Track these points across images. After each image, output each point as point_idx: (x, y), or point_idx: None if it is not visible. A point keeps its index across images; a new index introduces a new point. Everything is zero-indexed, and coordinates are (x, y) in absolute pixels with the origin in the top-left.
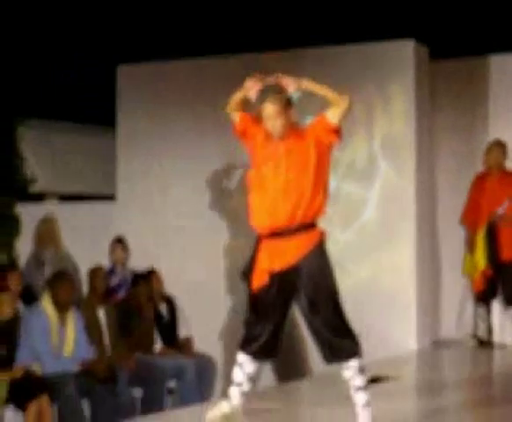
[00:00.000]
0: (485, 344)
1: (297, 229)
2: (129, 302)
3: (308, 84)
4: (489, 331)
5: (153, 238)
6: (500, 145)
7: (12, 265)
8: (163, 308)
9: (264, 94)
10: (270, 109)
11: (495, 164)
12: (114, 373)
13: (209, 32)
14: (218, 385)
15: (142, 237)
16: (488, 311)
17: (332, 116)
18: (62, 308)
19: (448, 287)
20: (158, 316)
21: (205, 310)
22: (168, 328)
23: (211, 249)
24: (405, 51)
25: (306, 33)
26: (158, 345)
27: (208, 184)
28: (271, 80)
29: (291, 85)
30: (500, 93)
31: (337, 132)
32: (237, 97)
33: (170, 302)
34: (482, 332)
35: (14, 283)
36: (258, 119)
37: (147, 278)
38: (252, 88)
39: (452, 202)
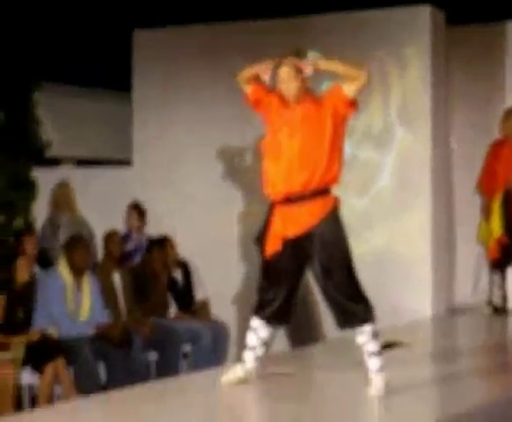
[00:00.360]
0: (500, 311)
1: (311, 196)
2: (144, 268)
3: (325, 64)
4: (504, 298)
5: (168, 203)
6: None
7: (29, 229)
8: (177, 273)
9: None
10: (285, 71)
11: None
12: (130, 337)
13: None
14: (231, 351)
15: (157, 202)
16: (503, 278)
17: (349, 89)
18: (77, 272)
19: (463, 255)
20: (173, 281)
21: (219, 276)
22: (183, 293)
23: (225, 215)
24: (420, 17)
25: (320, 1)
26: (173, 311)
27: (223, 149)
28: (286, 62)
29: (308, 68)
30: None
31: (353, 104)
32: (248, 72)
33: (184, 267)
34: (497, 299)
35: (30, 247)
36: (271, 88)
37: (162, 244)
38: (265, 71)
39: (468, 170)
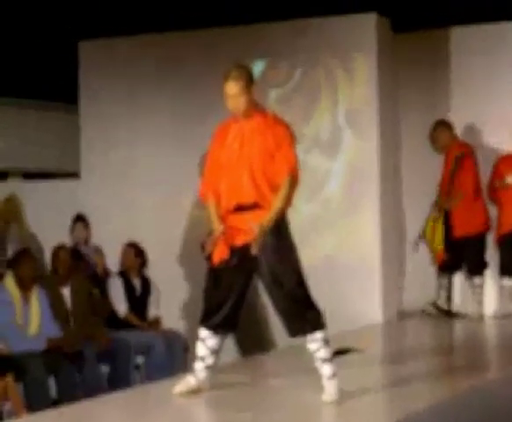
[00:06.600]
0: (446, 313)
1: (259, 205)
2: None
3: (268, 222)
4: (450, 300)
5: (116, 215)
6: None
7: None
8: (136, 281)
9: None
10: (232, 86)
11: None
12: (81, 350)
13: (173, 6)
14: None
15: (105, 214)
16: (450, 282)
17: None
18: (25, 286)
19: (412, 259)
20: (130, 287)
21: (170, 286)
22: (139, 302)
23: (174, 223)
24: (367, 24)
25: (270, 8)
26: (123, 310)
27: (170, 161)
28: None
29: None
30: (461, 65)
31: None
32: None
33: (145, 281)
34: (443, 302)
35: None
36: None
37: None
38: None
39: (416, 175)
